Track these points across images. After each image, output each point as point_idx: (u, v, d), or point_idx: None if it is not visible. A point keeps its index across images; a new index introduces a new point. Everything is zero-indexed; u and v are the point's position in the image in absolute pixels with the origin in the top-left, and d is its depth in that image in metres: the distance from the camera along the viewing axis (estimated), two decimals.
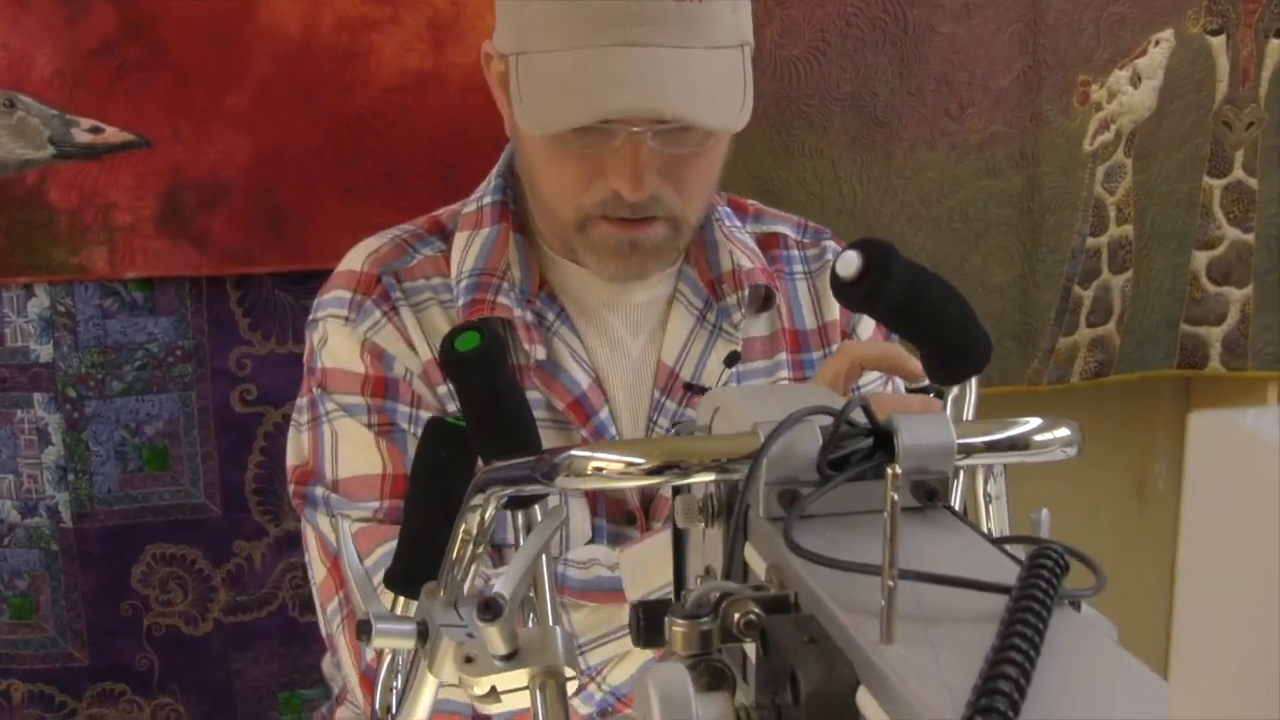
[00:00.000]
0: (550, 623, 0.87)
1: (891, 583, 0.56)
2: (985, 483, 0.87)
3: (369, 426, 1.38)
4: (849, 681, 0.58)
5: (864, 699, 0.57)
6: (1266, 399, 3.01)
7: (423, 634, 0.86)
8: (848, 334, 1.50)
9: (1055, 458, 0.79)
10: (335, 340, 1.40)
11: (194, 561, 2.17)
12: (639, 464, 0.71)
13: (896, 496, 0.56)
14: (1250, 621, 0.33)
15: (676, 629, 0.64)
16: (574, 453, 0.72)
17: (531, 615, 0.88)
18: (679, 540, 0.85)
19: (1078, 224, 2.34)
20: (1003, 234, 2.26)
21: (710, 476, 0.72)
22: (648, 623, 0.78)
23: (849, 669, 0.58)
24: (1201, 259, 2.60)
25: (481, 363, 0.87)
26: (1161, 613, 2.67)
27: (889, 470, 0.57)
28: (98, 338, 2.14)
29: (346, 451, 1.39)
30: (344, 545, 0.90)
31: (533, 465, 0.76)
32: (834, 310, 1.49)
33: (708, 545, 0.80)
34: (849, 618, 0.60)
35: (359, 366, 1.39)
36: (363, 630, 0.86)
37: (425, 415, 1.38)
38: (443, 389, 1.38)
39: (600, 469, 0.71)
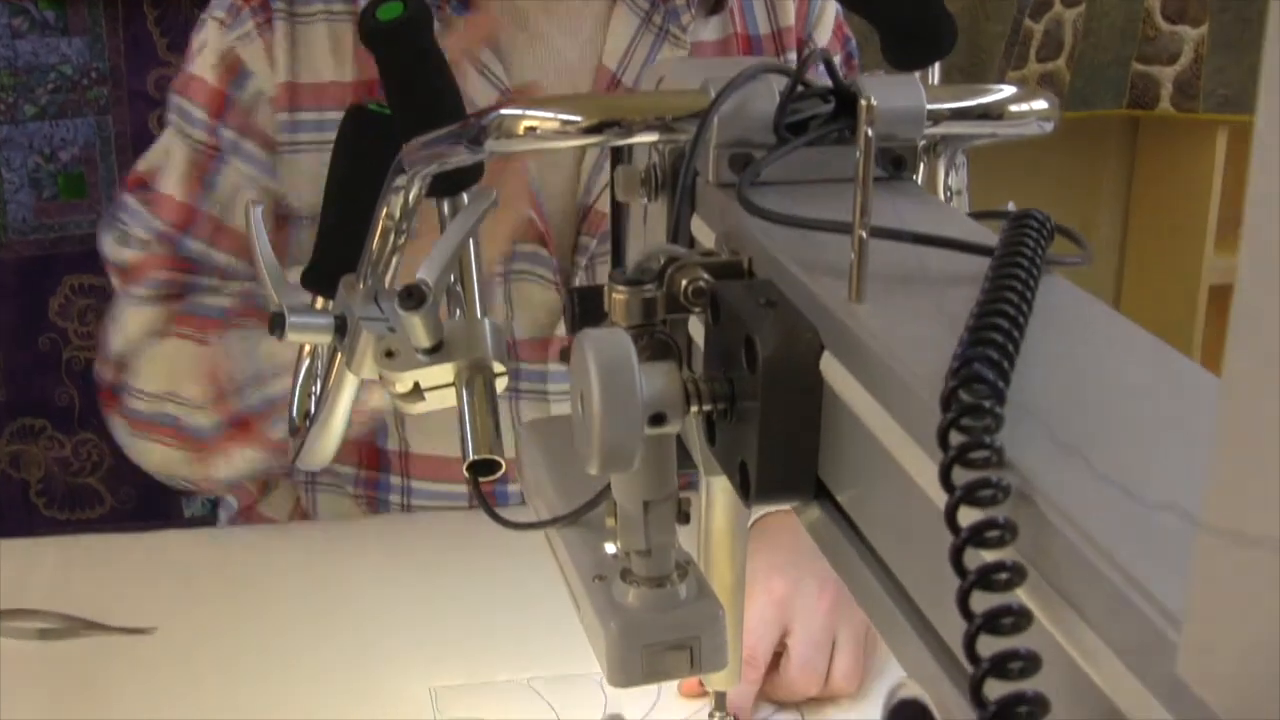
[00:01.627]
0: (478, 315, 0.80)
1: (863, 233, 0.50)
2: (947, 175, 0.80)
3: (192, 144, 1.32)
4: (812, 346, 0.51)
5: (829, 364, 0.50)
6: (1215, 144, 2.95)
7: (340, 328, 0.79)
8: (804, 41, 1.41)
9: (1030, 131, 0.71)
10: (208, 44, 1.31)
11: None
12: (576, 121, 0.63)
13: (870, 132, 0.49)
14: None
15: (617, 296, 0.58)
16: (504, 111, 0.64)
17: (458, 309, 0.81)
18: (619, 218, 0.78)
19: None
20: None
21: (654, 137, 0.65)
22: (584, 309, 0.72)
23: (812, 333, 0.51)
24: None
25: (406, 30, 0.78)
26: None
27: (863, 101, 0.49)
28: (7, 59, 2.03)
29: (160, 158, 1.34)
30: (256, 231, 0.82)
31: (458, 132, 0.68)
32: (790, 15, 1.40)
33: (650, 225, 0.73)
34: (812, 278, 0.53)
35: (211, 78, 1.30)
36: (276, 323, 0.79)
37: (250, 149, 1.31)
38: (285, 116, 1.29)
39: (534, 128, 0.64)
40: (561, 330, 1.28)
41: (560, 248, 1.30)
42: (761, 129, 0.63)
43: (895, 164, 0.65)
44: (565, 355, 1.32)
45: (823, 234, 0.57)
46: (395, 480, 1.37)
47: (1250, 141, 0.26)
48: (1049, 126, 0.71)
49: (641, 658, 0.60)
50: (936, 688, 0.43)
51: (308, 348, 0.92)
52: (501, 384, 0.75)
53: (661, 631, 0.60)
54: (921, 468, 0.44)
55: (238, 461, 1.30)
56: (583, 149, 1.23)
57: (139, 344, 1.32)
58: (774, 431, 0.51)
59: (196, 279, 1.32)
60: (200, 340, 1.29)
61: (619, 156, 0.77)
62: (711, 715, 0.84)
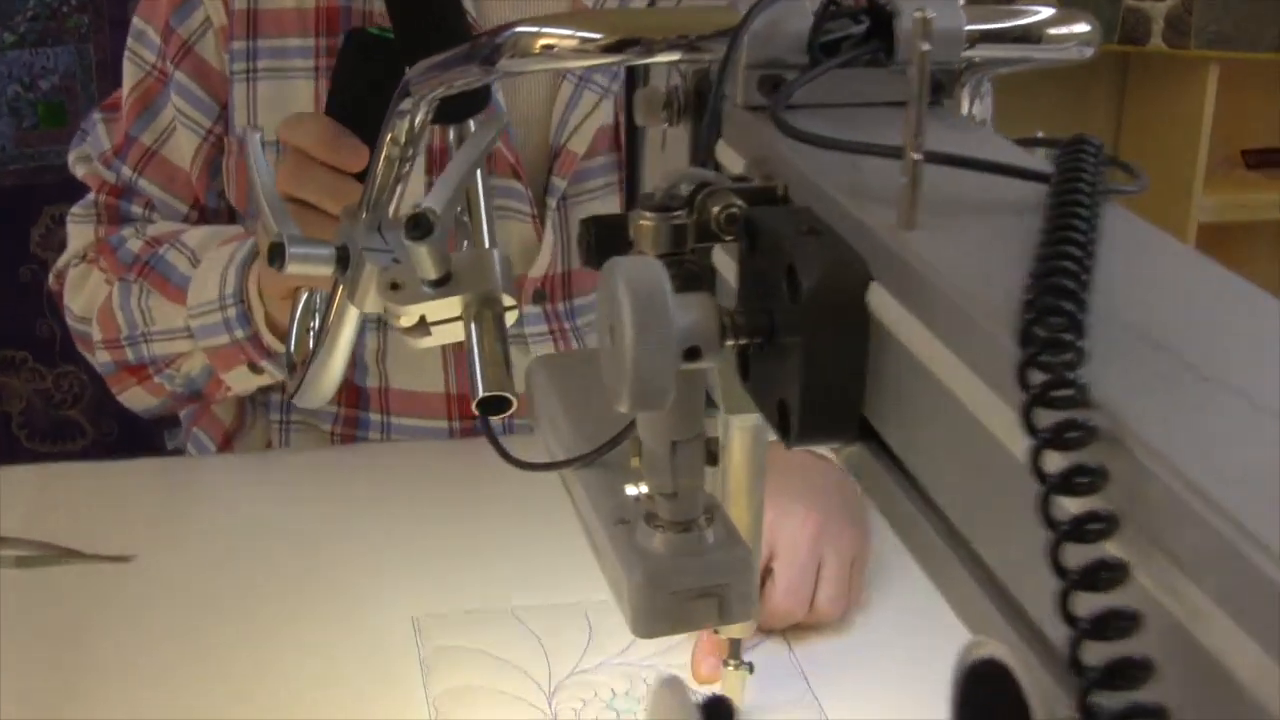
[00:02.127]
0: (486, 245, 0.77)
1: (917, 156, 0.46)
2: (972, 103, 0.77)
3: (142, 67, 1.29)
4: (859, 275, 0.48)
5: (877, 296, 0.47)
6: (1206, 82, 2.91)
7: (342, 260, 0.76)
8: None
9: (1070, 57, 0.68)
10: None
11: None
12: (595, 39, 0.60)
13: (927, 46, 0.46)
14: None
15: (645, 223, 0.54)
16: (519, 29, 0.61)
17: (465, 242, 0.78)
18: (633, 143, 0.74)
19: None
20: None
21: (677, 56, 0.61)
22: (600, 240, 0.68)
23: (859, 262, 0.48)
24: None
25: None
26: None
27: (917, 14, 0.46)
28: None
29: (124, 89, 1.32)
30: (254, 159, 0.79)
31: (469, 52, 0.65)
32: None
33: (669, 151, 0.69)
34: (857, 204, 0.50)
35: (164, 2, 1.27)
36: (275, 254, 0.75)
37: (186, 83, 1.27)
38: (241, 44, 1.25)
39: (550, 46, 0.60)
40: (537, 270, 1.24)
41: (533, 185, 1.25)
42: (793, 49, 0.60)
43: (933, 89, 0.62)
44: (540, 296, 1.28)
45: (864, 159, 0.54)
46: (375, 418, 1.34)
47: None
48: (1088, 52, 0.68)
49: (668, 606, 0.57)
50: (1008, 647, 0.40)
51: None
52: (511, 317, 0.72)
53: (689, 578, 0.57)
54: (986, 406, 0.40)
55: (145, 397, 1.30)
56: (556, 83, 1.19)
57: (71, 261, 1.33)
58: (818, 367, 0.48)
59: (128, 206, 1.32)
60: (108, 281, 1.29)
61: (635, 78, 0.73)
62: (727, 663, 0.81)
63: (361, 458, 1.30)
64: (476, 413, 0.69)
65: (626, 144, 0.76)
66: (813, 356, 0.48)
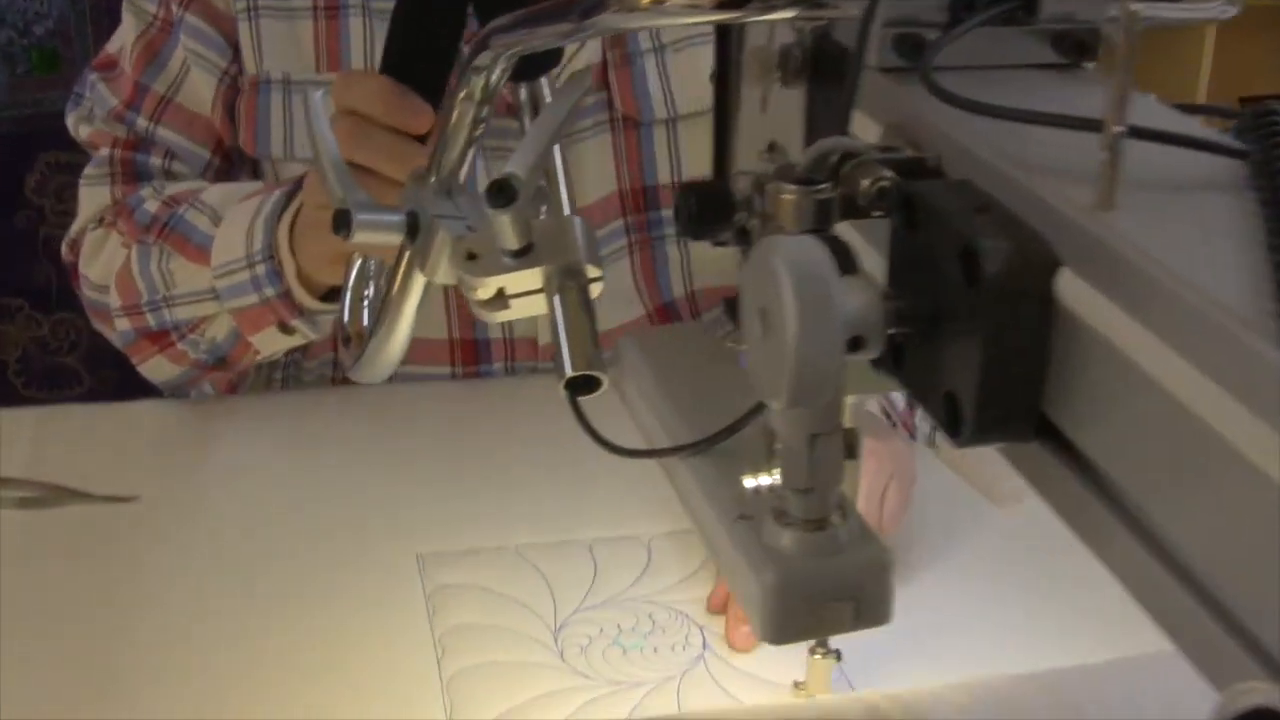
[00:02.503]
0: (565, 212, 0.72)
1: (1120, 129, 0.42)
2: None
3: (144, 17, 1.24)
4: (1046, 260, 0.43)
5: (1068, 282, 0.43)
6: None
7: (412, 228, 0.71)
8: None
9: (1210, 15, 0.63)
10: None
11: None
12: None
13: (1137, 8, 0.41)
14: None
15: (786, 197, 0.49)
16: None
17: (543, 208, 0.73)
18: (723, 105, 0.69)
19: None
20: None
21: (793, 12, 0.56)
22: (701, 209, 0.64)
23: (1045, 244, 0.44)
24: None
25: None
26: None
27: None
28: None
29: (123, 35, 1.27)
30: (315, 119, 0.73)
31: (564, 6, 0.60)
32: None
33: (772, 115, 0.64)
34: (1035, 180, 0.45)
35: None
36: (341, 222, 0.70)
37: (197, 23, 1.22)
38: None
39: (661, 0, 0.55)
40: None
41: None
42: (932, 5, 0.55)
43: (1077, 49, 0.57)
44: None
45: (1023, 128, 0.49)
46: None
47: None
48: (1232, 11, 0.63)
49: (802, 611, 0.52)
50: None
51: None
52: (596, 289, 0.67)
53: (824, 582, 0.53)
54: (1226, 414, 0.36)
55: (167, 366, 1.25)
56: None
57: (86, 227, 1.28)
58: (998, 359, 0.44)
59: (146, 159, 1.26)
60: (125, 245, 1.23)
61: (728, 34, 0.68)
62: (814, 651, 0.77)
63: (365, 397, 1.26)
64: (563, 393, 0.64)
65: (716, 104, 0.70)
66: (993, 347, 0.44)
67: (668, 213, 1.25)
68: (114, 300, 1.22)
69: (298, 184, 1.08)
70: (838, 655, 0.78)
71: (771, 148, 0.64)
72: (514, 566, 1.01)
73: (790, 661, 0.87)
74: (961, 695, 0.83)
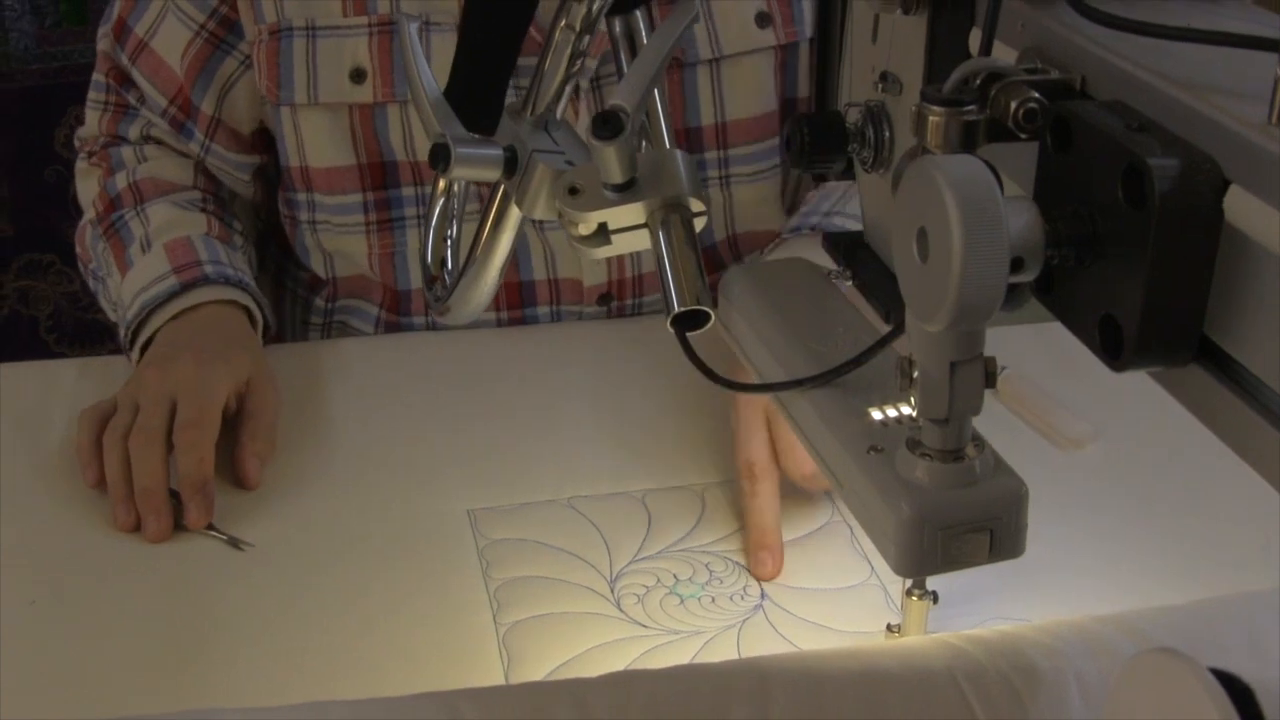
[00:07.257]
0: (666, 145, 0.71)
1: None
2: None
3: None
4: (1214, 178, 0.43)
5: (1238, 200, 0.42)
6: None
7: (510, 162, 0.70)
8: None
9: None
10: None
11: None
12: None
13: None
14: None
15: (933, 118, 0.49)
16: None
17: (644, 142, 0.72)
18: (828, 31, 0.68)
19: None
20: None
21: None
22: (815, 140, 0.63)
23: (1212, 163, 0.43)
24: None
25: None
26: None
27: None
28: None
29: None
30: (413, 52, 0.72)
31: None
32: None
33: (887, 40, 0.63)
34: (1196, 97, 0.44)
35: None
36: (439, 156, 0.69)
37: None
38: None
39: None
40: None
41: None
42: None
43: None
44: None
45: (1170, 47, 0.48)
46: (419, 321, 1.29)
47: None
48: None
49: (938, 543, 0.52)
50: None
51: (442, 184, 0.82)
52: (700, 223, 0.66)
53: (961, 512, 0.52)
54: None
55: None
56: None
57: (83, 143, 1.33)
58: (1164, 281, 0.43)
59: (126, 94, 1.29)
60: (100, 183, 1.28)
61: None
62: (910, 593, 0.77)
63: (411, 347, 1.25)
64: (671, 329, 0.64)
65: (820, 31, 0.69)
66: (1158, 269, 0.43)
67: (712, 155, 1.24)
68: (78, 245, 1.30)
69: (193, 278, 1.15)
70: (934, 597, 0.78)
71: (884, 78, 0.63)
72: (567, 520, 1.00)
73: (850, 606, 0.87)
74: (1044, 636, 0.82)
